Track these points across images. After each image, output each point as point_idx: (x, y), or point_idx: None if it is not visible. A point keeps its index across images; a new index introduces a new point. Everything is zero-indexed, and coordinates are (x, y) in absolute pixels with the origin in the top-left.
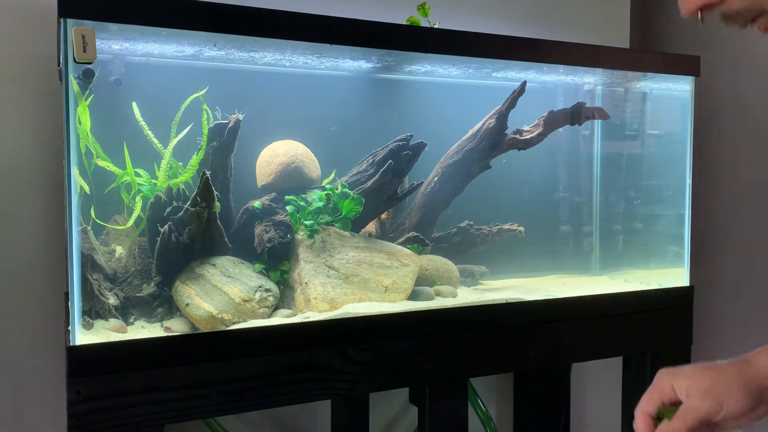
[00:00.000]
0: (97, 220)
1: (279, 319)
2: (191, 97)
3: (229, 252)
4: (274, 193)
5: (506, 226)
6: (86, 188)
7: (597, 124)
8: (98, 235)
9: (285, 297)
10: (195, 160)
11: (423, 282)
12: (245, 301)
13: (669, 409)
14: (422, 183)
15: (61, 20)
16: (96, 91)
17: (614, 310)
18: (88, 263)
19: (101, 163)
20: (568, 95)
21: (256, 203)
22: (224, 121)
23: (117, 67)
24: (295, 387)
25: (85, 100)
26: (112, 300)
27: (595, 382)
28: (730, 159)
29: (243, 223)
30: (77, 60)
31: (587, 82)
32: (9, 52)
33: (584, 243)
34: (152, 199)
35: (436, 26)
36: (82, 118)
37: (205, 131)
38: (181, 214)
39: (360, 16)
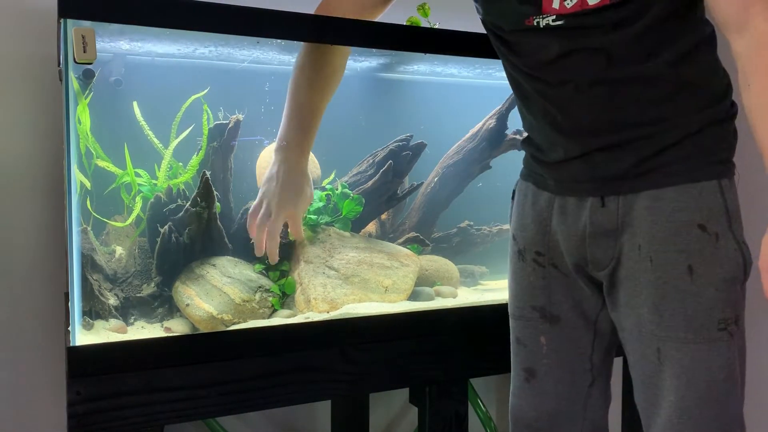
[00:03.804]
0: (98, 216)
1: (279, 320)
2: (192, 98)
3: (229, 252)
4: None
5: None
6: (87, 184)
7: None
8: (98, 236)
9: (285, 297)
10: (195, 160)
11: (423, 282)
12: (245, 301)
13: None
14: (422, 183)
15: (61, 20)
16: (96, 91)
17: None
18: (88, 263)
19: (101, 163)
20: None
21: None
22: (224, 122)
23: (117, 67)
24: (295, 387)
25: (85, 99)
26: (112, 300)
27: None
28: None
29: (243, 223)
30: (77, 60)
31: None
32: (9, 52)
33: None
34: (152, 200)
35: (436, 26)
36: (81, 117)
37: (206, 132)
38: (181, 214)
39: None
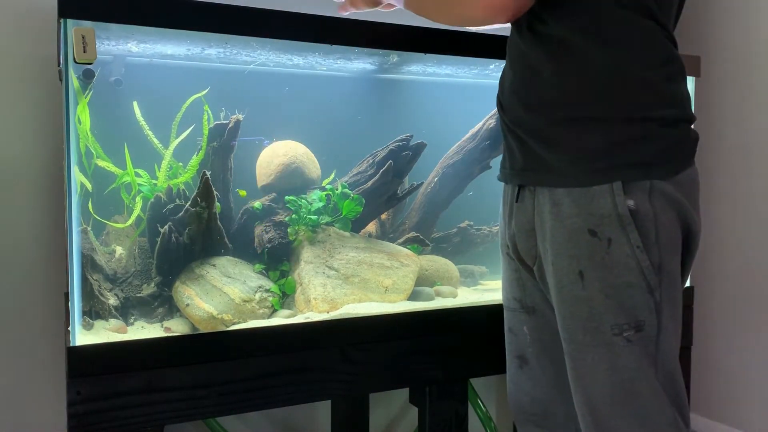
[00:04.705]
0: (97, 217)
1: (279, 320)
2: (192, 98)
3: (229, 252)
4: (274, 193)
5: None
6: (87, 185)
7: None
8: (98, 236)
9: (285, 297)
10: (195, 160)
11: (423, 282)
12: (245, 301)
13: None
14: (422, 183)
15: (61, 20)
16: (96, 91)
17: None
18: (88, 263)
19: (101, 163)
20: None
21: (256, 203)
22: (224, 122)
23: (117, 67)
24: (295, 387)
25: (85, 98)
26: (112, 300)
27: None
28: (729, 159)
29: (243, 223)
30: (77, 60)
31: None
32: (9, 52)
33: None
34: (152, 200)
35: None
36: (81, 117)
37: (206, 132)
38: (181, 214)
39: (360, 16)
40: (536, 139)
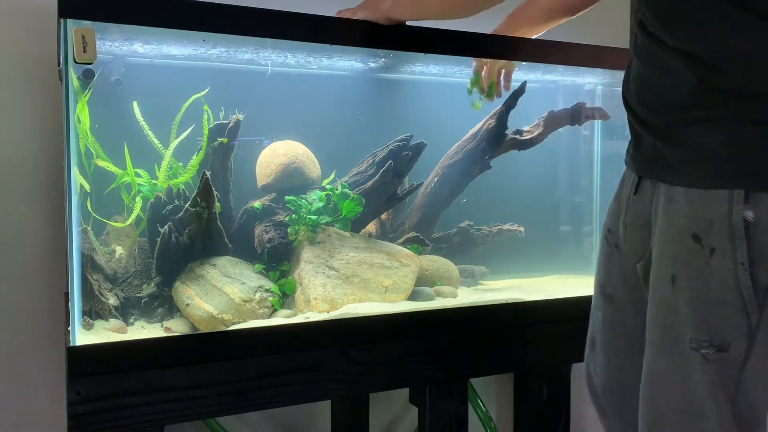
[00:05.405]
0: (96, 216)
1: (279, 320)
2: (192, 98)
3: (229, 252)
4: (274, 193)
5: (506, 227)
6: (86, 186)
7: (597, 124)
8: (98, 236)
9: (285, 297)
10: (195, 160)
11: (423, 282)
12: (245, 301)
13: None
14: (422, 183)
15: (61, 20)
16: (96, 91)
17: None
18: (88, 263)
19: (101, 163)
20: (569, 95)
21: (256, 203)
22: (224, 122)
23: (117, 67)
24: (295, 387)
25: (84, 98)
26: (112, 300)
27: None
28: None
29: (243, 223)
30: (77, 60)
31: (588, 83)
32: (9, 52)
33: (584, 243)
34: (152, 200)
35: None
36: (81, 116)
37: (206, 132)
38: (181, 214)
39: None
40: (660, 137)
